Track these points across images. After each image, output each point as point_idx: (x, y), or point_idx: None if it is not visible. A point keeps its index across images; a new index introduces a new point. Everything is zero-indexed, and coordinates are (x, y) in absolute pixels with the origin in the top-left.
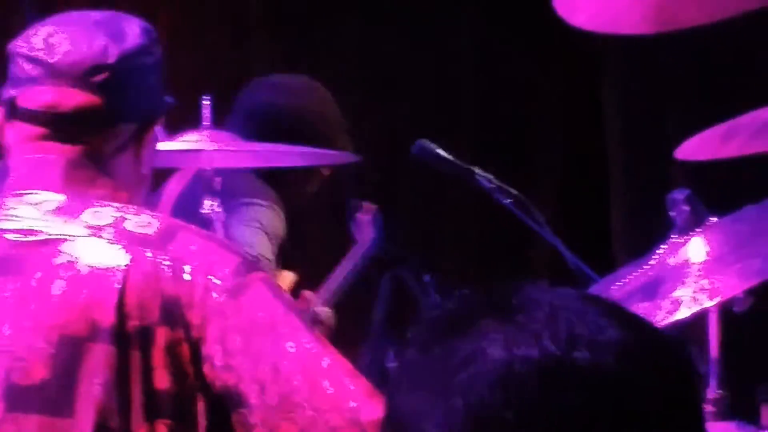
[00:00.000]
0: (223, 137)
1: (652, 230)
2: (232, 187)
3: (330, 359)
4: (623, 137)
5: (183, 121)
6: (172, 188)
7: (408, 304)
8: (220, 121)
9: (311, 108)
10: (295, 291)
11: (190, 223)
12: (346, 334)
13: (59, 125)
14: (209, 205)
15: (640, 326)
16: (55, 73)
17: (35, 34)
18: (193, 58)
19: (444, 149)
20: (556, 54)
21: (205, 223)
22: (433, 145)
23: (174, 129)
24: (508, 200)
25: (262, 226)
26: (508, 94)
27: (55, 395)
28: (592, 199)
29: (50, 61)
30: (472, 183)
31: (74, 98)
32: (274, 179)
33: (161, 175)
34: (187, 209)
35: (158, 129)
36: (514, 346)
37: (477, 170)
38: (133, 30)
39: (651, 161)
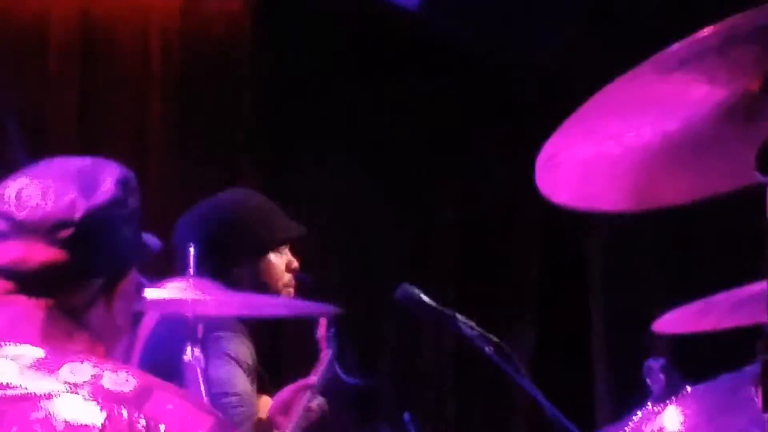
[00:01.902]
0: (207, 285)
1: (635, 388)
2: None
3: None
4: (606, 302)
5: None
6: (145, 327)
7: None
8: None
9: (240, 215)
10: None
11: (160, 361)
12: None
13: (28, 280)
14: (191, 352)
15: None
16: (22, 229)
17: (8, 186)
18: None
19: (426, 294)
20: (541, 222)
21: (183, 367)
22: (416, 290)
23: (160, 273)
24: (489, 348)
25: (233, 358)
26: (489, 257)
27: None
28: (573, 354)
29: (18, 216)
30: (454, 329)
31: (40, 254)
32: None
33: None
34: (162, 351)
35: (137, 277)
36: None
37: (459, 317)
38: (107, 182)
39: (632, 327)
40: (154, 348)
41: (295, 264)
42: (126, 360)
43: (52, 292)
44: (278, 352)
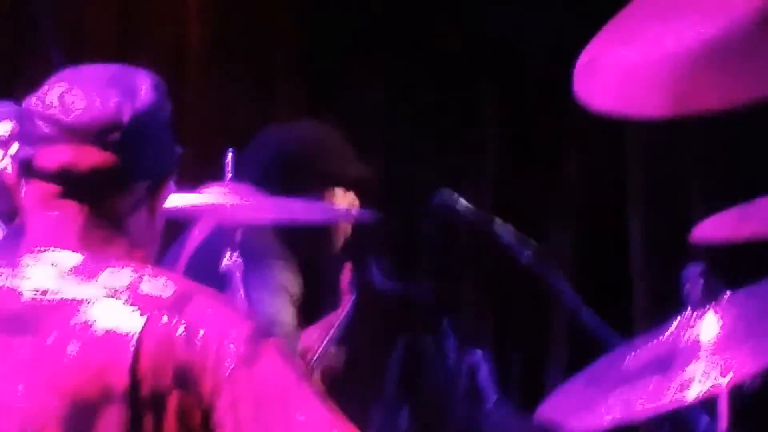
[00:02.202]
0: (246, 191)
1: (675, 295)
2: (248, 245)
3: (342, 429)
4: (646, 207)
5: (206, 171)
6: (194, 239)
7: (422, 368)
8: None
9: (312, 150)
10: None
11: (209, 275)
12: (359, 395)
13: (76, 184)
14: (229, 257)
15: None
16: (70, 132)
17: (49, 92)
18: (219, 109)
19: (465, 200)
20: (581, 125)
21: (225, 276)
22: (454, 196)
23: (196, 180)
24: (528, 252)
25: (282, 287)
26: (532, 157)
27: None
28: (612, 255)
29: (65, 120)
30: (492, 234)
31: (90, 157)
32: (294, 238)
33: (182, 225)
34: (205, 262)
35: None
36: None
37: (497, 221)
38: (146, 86)
39: (670, 233)
40: (201, 260)
41: (356, 206)
42: (172, 268)
43: (100, 196)
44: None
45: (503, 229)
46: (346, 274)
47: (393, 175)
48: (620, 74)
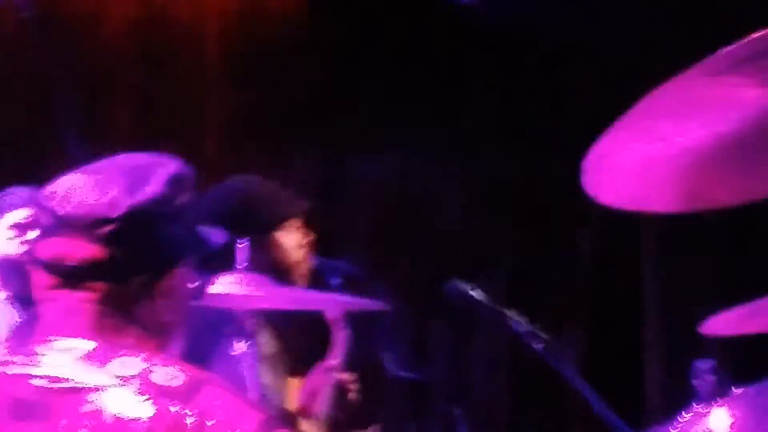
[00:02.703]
0: (257, 280)
1: (686, 388)
2: (214, 317)
3: None
4: (659, 301)
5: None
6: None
7: None
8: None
9: (254, 199)
10: None
11: (191, 352)
12: None
13: (69, 276)
14: (239, 347)
15: None
16: (64, 224)
17: (60, 182)
18: None
19: (478, 290)
20: (594, 215)
21: (214, 357)
22: (466, 286)
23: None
24: (540, 345)
25: (265, 357)
26: (546, 250)
27: None
28: (624, 352)
29: (60, 211)
30: (505, 326)
31: (81, 250)
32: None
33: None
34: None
35: (189, 274)
36: None
37: (510, 313)
38: (160, 178)
39: (684, 327)
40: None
41: (309, 238)
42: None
43: (95, 288)
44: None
45: (516, 320)
46: (335, 311)
47: (407, 263)
48: (630, 170)
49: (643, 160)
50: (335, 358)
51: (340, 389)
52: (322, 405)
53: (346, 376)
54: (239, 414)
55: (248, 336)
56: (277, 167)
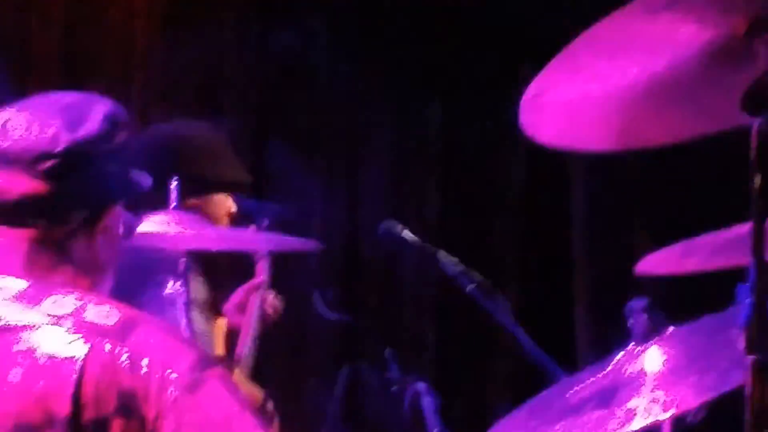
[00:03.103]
0: (188, 220)
1: (617, 328)
2: (146, 261)
3: None
4: (589, 243)
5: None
6: None
7: (365, 397)
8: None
9: (191, 152)
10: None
11: (127, 296)
12: (301, 426)
13: (7, 211)
14: (172, 286)
15: None
16: (4, 159)
17: None
18: None
19: (409, 229)
20: (525, 156)
21: (159, 300)
22: (398, 226)
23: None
24: (472, 285)
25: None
26: (476, 186)
27: None
28: (556, 293)
29: (1, 146)
30: (437, 266)
31: (21, 185)
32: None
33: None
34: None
35: (123, 214)
36: None
37: (441, 254)
38: (96, 116)
39: (615, 267)
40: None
41: (233, 211)
42: None
43: (34, 224)
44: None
45: (448, 261)
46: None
47: (337, 205)
48: (565, 108)
49: (577, 98)
50: (260, 275)
51: (267, 310)
52: (248, 322)
53: (270, 294)
54: (173, 353)
55: (180, 276)
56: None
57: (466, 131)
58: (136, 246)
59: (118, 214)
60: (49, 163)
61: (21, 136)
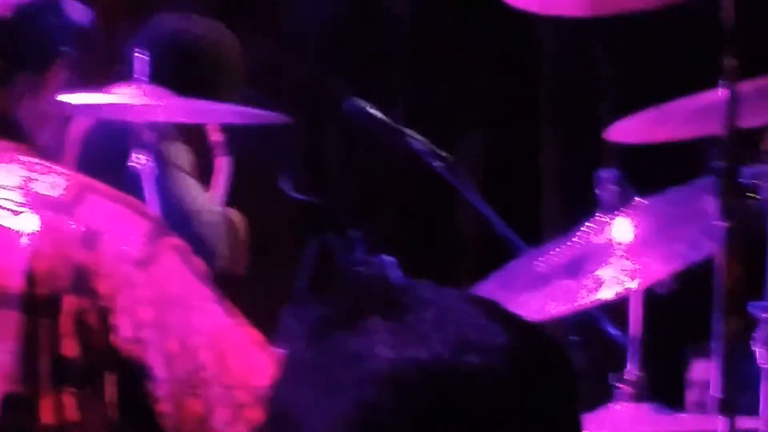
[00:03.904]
0: (156, 92)
1: (582, 206)
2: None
3: (241, 333)
4: (556, 114)
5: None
6: (75, 130)
7: (332, 270)
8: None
9: (214, 46)
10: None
11: (97, 167)
12: (267, 299)
13: None
14: (137, 159)
15: (526, 329)
16: None
17: None
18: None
19: (376, 108)
20: (493, 25)
21: (130, 174)
22: (364, 104)
23: (105, 81)
24: (439, 163)
25: (181, 168)
26: (443, 59)
27: None
28: (522, 171)
29: None
30: (403, 144)
31: None
32: None
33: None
34: (93, 152)
35: (66, 69)
36: (402, 347)
37: (408, 131)
38: None
39: (583, 138)
40: (90, 153)
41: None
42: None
43: None
44: None
45: (415, 138)
46: (214, 134)
47: (302, 81)
48: None
49: None
50: (217, 189)
51: (228, 228)
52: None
53: (233, 213)
54: (125, 223)
55: (148, 149)
56: None
57: (435, 10)
58: (103, 118)
59: (62, 69)
60: None
61: None
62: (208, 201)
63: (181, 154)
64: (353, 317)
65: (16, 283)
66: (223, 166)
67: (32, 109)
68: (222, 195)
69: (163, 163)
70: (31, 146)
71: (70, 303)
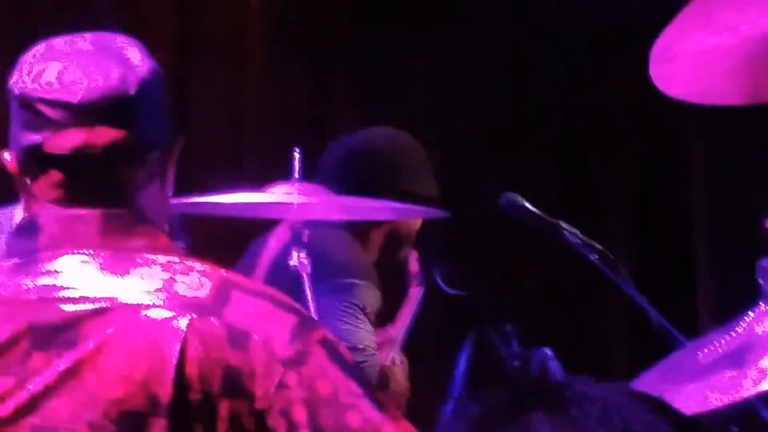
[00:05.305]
0: (313, 190)
1: (740, 296)
2: (328, 261)
3: (395, 428)
4: (711, 202)
5: (272, 172)
6: (272, 246)
7: (491, 363)
8: (308, 174)
9: (391, 154)
10: None
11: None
12: (425, 392)
13: (92, 168)
14: (297, 257)
15: (690, 426)
16: (79, 114)
17: (43, 72)
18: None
19: (530, 204)
20: (643, 114)
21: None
22: (519, 198)
23: (263, 180)
24: (594, 256)
25: (360, 308)
26: (593, 153)
27: None
28: (677, 261)
29: (73, 102)
30: (558, 237)
31: (104, 136)
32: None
33: (257, 231)
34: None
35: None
36: None
37: (563, 224)
38: (136, 52)
39: (740, 226)
40: (277, 271)
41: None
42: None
43: (115, 178)
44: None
45: (570, 231)
46: (413, 265)
47: (455, 176)
48: (695, 61)
49: (708, 50)
50: (398, 328)
51: (386, 375)
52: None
53: (397, 360)
54: (273, 320)
55: (305, 247)
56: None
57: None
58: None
59: (180, 143)
60: (126, 108)
61: (89, 86)
62: (372, 347)
63: (368, 296)
64: (515, 412)
65: (167, 390)
66: (414, 297)
67: (159, 192)
68: (406, 328)
69: (344, 300)
70: (163, 239)
71: (224, 407)
